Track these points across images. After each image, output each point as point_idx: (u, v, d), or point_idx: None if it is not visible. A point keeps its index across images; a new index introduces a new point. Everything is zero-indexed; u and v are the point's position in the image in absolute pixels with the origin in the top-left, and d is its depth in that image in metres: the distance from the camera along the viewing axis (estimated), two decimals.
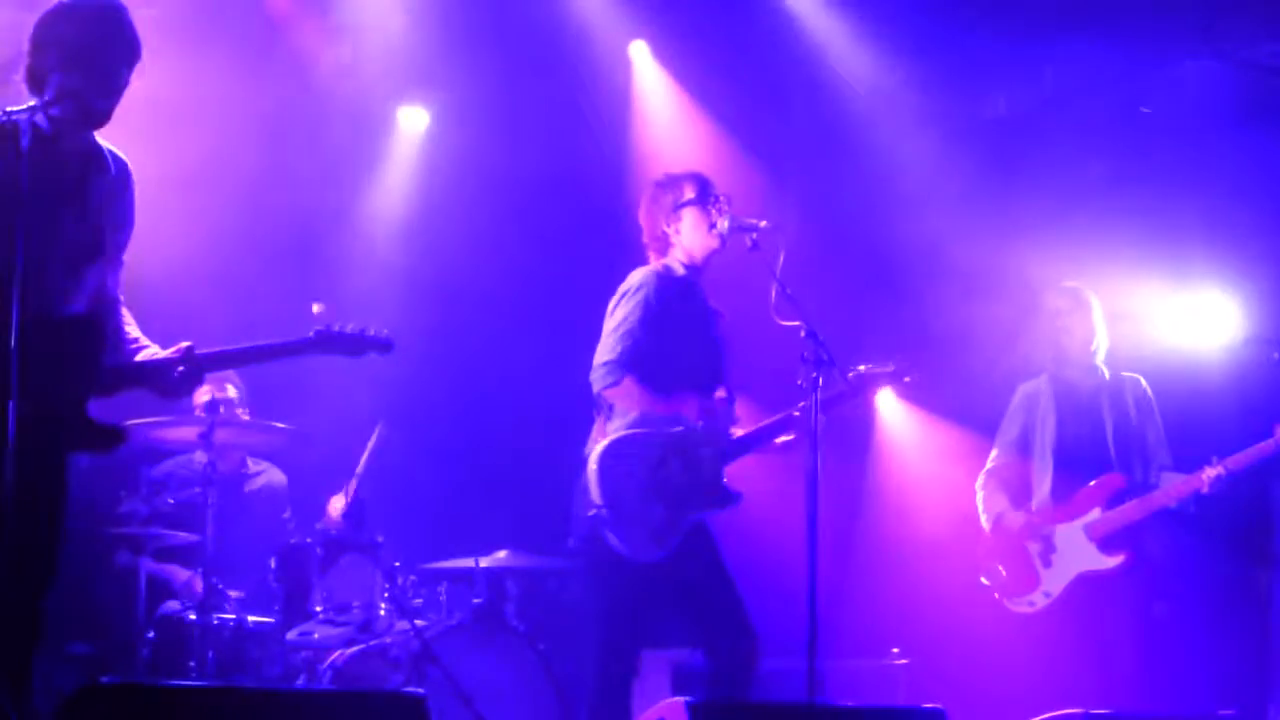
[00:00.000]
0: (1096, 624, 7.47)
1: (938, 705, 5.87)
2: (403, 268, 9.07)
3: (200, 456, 7.25)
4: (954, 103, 9.43)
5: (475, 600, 7.64)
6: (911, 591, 9.07)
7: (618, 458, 6.65)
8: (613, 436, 6.69)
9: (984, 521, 7.88)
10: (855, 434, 9.54)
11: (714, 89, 9.57)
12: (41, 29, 5.39)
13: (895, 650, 8.68)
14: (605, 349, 6.79)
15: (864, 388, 6.99)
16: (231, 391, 7.86)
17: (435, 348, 8.84)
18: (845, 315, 7.19)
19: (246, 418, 7.83)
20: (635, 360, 6.76)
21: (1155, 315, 8.13)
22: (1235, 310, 8.55)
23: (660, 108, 9.60)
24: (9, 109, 5.06)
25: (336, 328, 5.98)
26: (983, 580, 7.76)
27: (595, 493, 6.58)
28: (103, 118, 5.41)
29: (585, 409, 8.05)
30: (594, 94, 9.60)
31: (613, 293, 7.41)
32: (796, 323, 6.71)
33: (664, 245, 7.05)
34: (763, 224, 6.84)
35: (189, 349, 5.51)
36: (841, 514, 8.07)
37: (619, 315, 6.90)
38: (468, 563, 7.78)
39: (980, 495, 7.93)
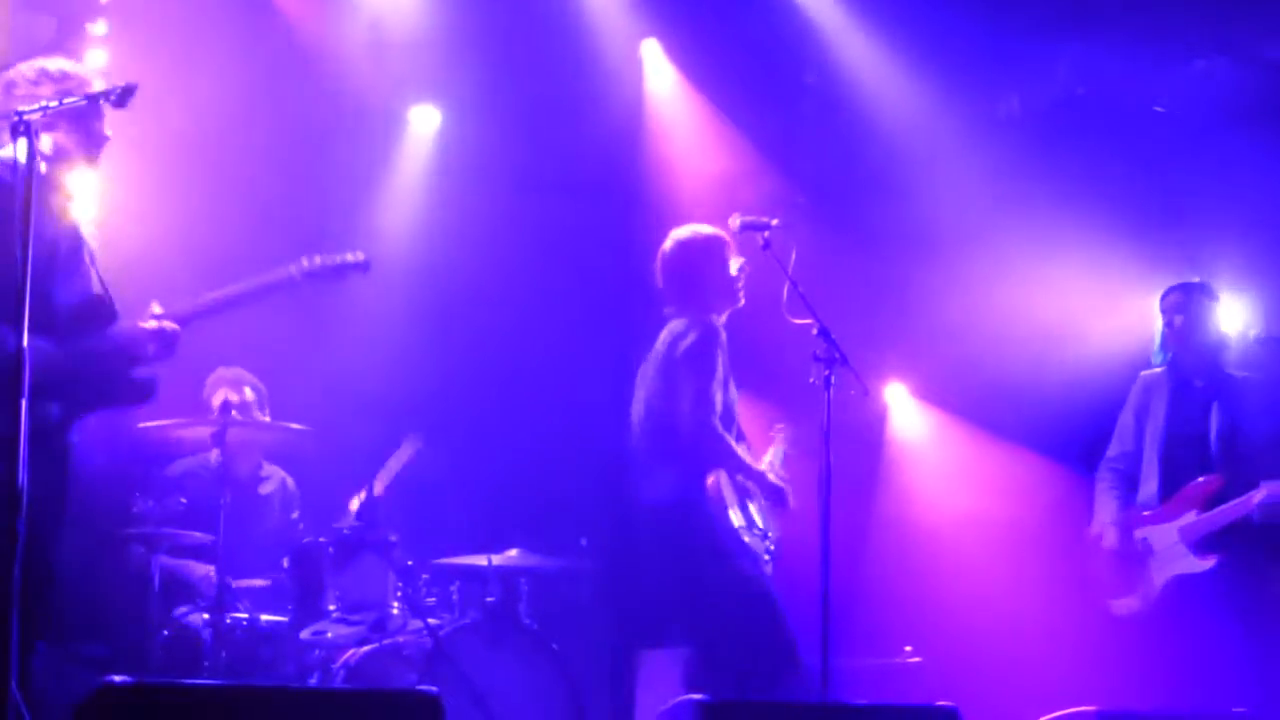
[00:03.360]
0: (1188, 626, 7.37)
1: (950, 704, 5.87)
2: (417, 267, 9.05)
3: (215, 457, 7.29)
4: (968, 101, 9.40)
5: (488, 599, 7.64)
6: (924, 590, 9.07)
7: None
8: None
9: (1097, 522, 7.77)
10: (867, 432, 9.55)
11: (725, 87, 9.57)
12: None
13: (908, 649, 8.68)
14: None
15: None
16: (249, 394, 7.84)
17: (448, 349, 8.85)
18: (857, 311, 7.18)
19: (266, 419, 7.82)
20: None
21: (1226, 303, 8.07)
22: (1246, 308, 8.54)
23: (671, 105, 9.59)
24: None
25: (317, 259, 6.12)
26: (1110, 604, 7.65)
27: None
28: None
29: (597, 409, 8.05)
30: (606, 92, 9.57)
31: (624, 294, 7.44)
32: (809, 321, 6.72)
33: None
34: (774, 223, 6.86)
35: (159, 318, 5.61)
36: (854, 512, 8.07)
37: None
38: (480, 561, 7.77)
39: (1097, 489, 7.83)
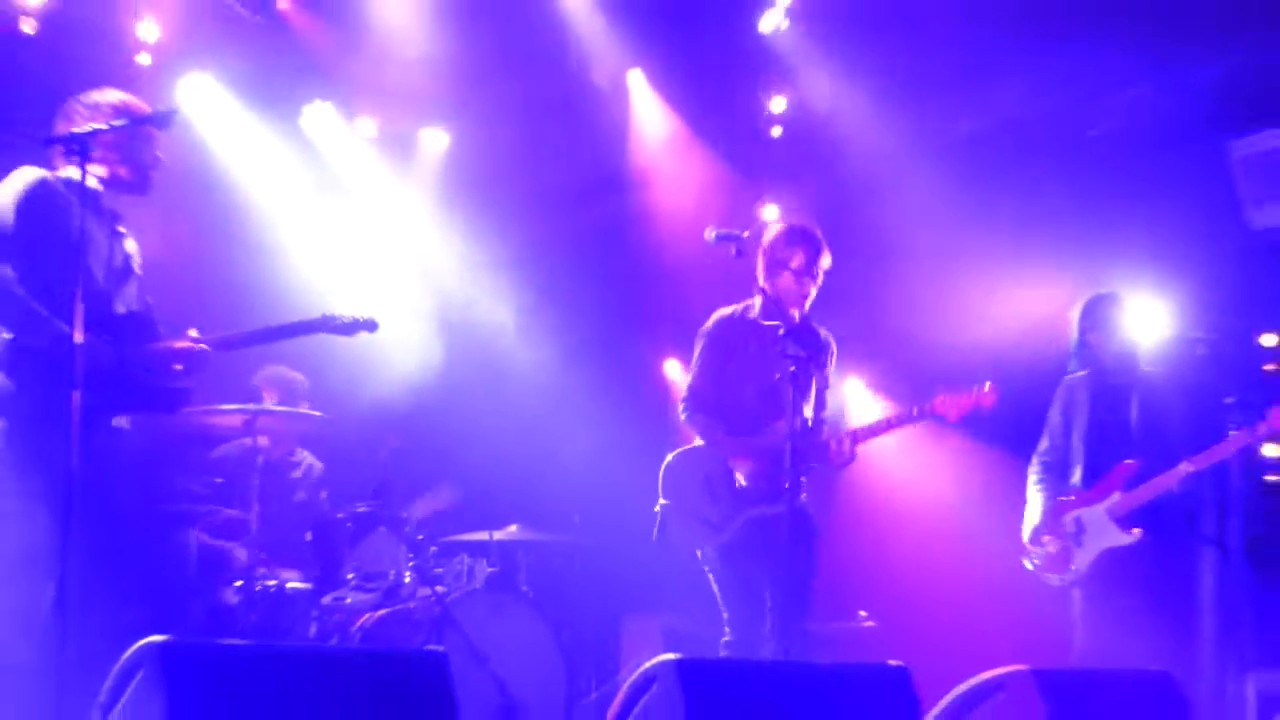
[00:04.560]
0: (1117, 593, 7.46)
1: (901, 663, 5.91)
2: (419, 271, 9.09)
3: (248, 442, 7.35)
4: (922, 126, 9.41)
5: (490, 569, 7.69)
6: (878, 562, 9.11)
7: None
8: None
9: (1029, 507, 7.81)
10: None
11: (701, 111, 9.59)
12: None
13: (863, 614, 8.73)
14: None
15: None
16: (291, 388, 7.95)
17: (456, 346, 8.88)
18: (818, 314, 7.20)
19: (305, 409, 7.85)
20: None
21: (1133, 311, 8.11)
22: (1167, 311, 8.59)
23: (654, 128, 9.60)
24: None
25: (335, 312, 6.38)
26: (1025, 563, 7.70)
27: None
28: None
29: (583, 402, 8.08)
30: (597, 116, 9.59)
31: (618, 294, 7.47)
32: (776, 322, 6.78)
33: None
34: (745, 234, 6.88)
35: (194, 340, 5.72)
36: (816, 493, 8.09)
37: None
38: (483, 536, 7.83)
39: (1029, 480, 7.86)
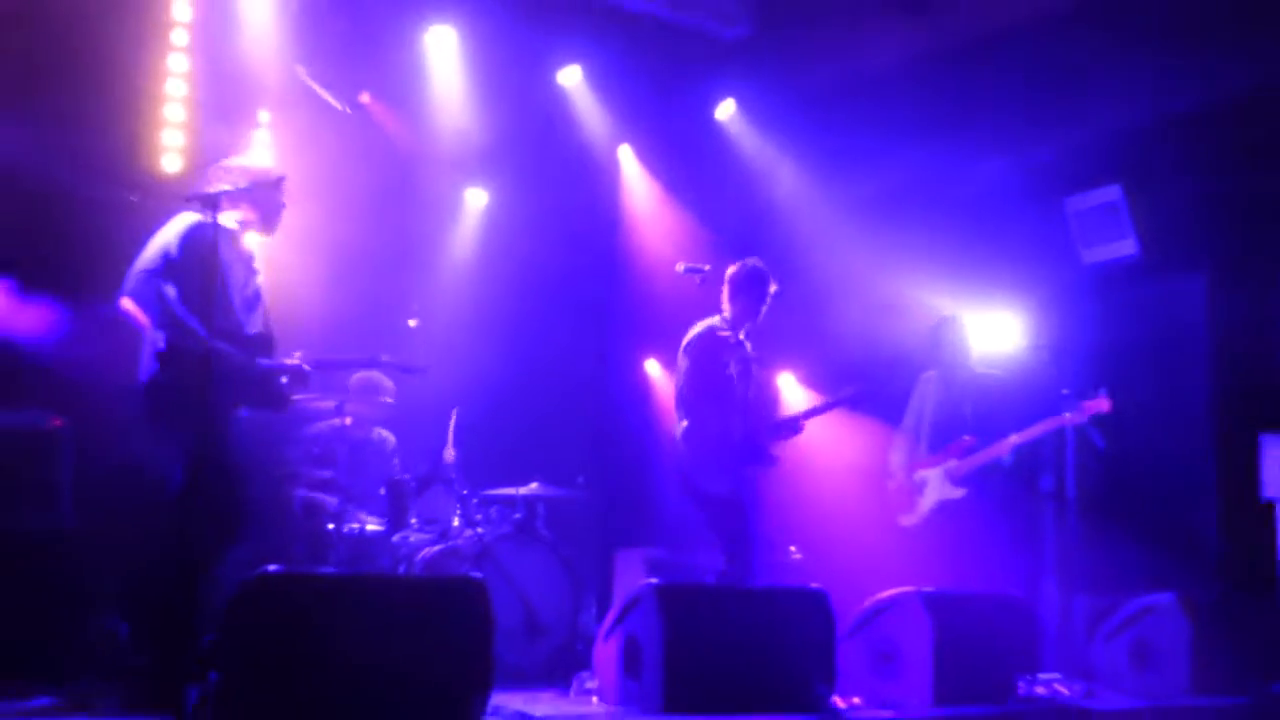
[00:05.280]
0: (948, 535, 7.53)
1: (820, 587, 5.95)
2: (468, 296, 9.10)
3: (337, 422, 7.38)
4: (840, 187, 9.43)
5: (516, 516, 7.71)
6: (804, 511, 9.06)
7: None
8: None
9: (892, 467, 7.90)
10: (770, 406, 9.58)
11: (672, 176, 9.59)
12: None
13: (793, 549, 8.72)
14: None
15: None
16: (377, 386, 7.87)
17: (490, 349, 8.88)
18: (762, 327, 7.23)
19: (389, 400, 7.83)
20: None
21: (970, 329, 8.14)
22: (1020, 325, 8.63)
23: (639, 192, 9.59)
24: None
25: (392, 358, 6.56)
26: (897, 519, 7.80)
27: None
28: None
29: (586, 390, 8.05)
30: (596, 179, 9.61)
31: (612, 310, 7.48)
32: (730, 334, 6.84)
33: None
34: (707, 268, 6.95)
35: (301, 360, 5.80)
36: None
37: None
38: (512, 491, 7.85)
39: (893, 447, 7.95)
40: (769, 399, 6.97)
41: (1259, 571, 7.83)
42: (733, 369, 6.93)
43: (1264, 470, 7.96)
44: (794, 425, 7.11)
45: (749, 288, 7.00)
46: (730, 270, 7.03)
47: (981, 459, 7.43)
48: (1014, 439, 7.36)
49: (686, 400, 6.95)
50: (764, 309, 7.02)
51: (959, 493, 7.48)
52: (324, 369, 6.17)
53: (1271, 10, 7.48)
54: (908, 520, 7.68)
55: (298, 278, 7.42)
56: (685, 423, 6.89)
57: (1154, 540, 8.31)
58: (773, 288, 7.02)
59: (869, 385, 7.36)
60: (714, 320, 7.04)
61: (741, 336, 6.95)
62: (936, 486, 7.56)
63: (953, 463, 7.51)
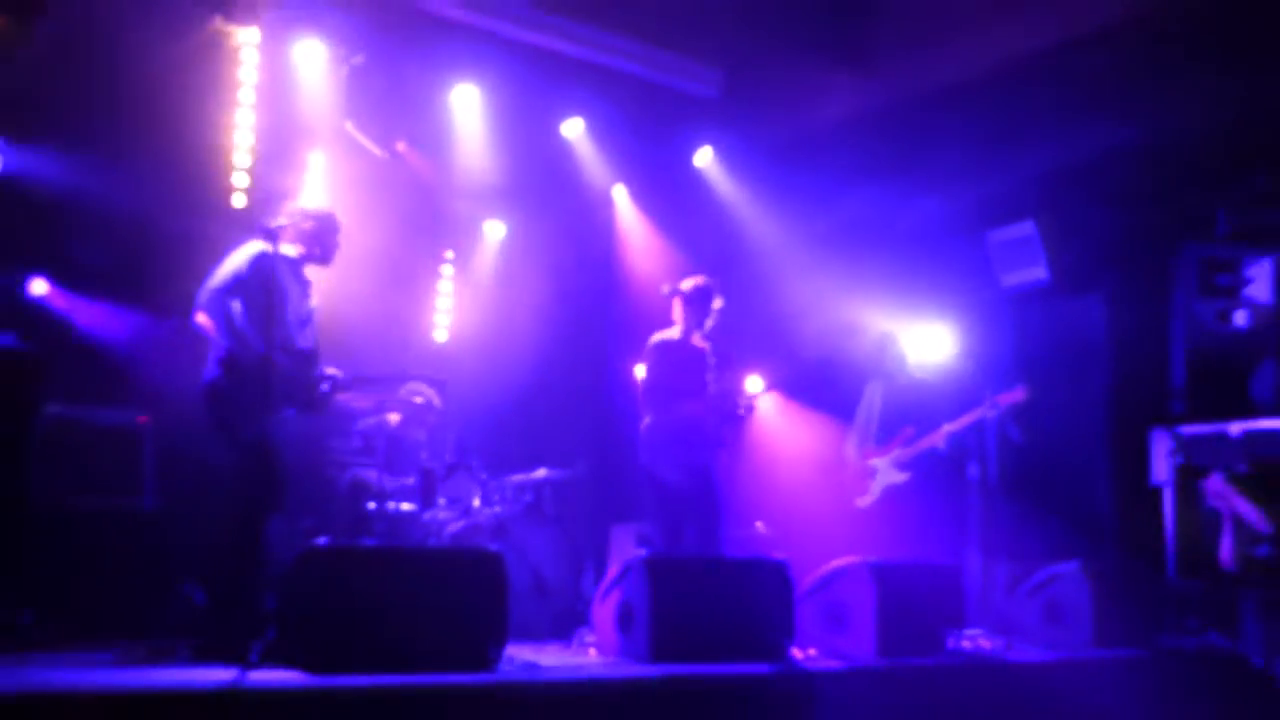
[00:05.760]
0: (895, 513, 7.49)
1: (783, 557, 5.95)
2: (487, 313, 9.08)
3: (385, 419, 7.33)
4: (799, 222, 9.38)
5: (527, 497, 7.70)
6: (770, 492, 9.06)
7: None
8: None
9: (849, 456, 7.84)
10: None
11: (662, 214, 9.53)
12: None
13: (759, 524, 8.69)
14: None
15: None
16: (423, 395, 7.69)
17: (506, 361, 8.84)
18: (737, 338, 7.21)
19: (419, 400, 7.61)
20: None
21: (908, 341, 8.13)
22: (950, 337, 8.62)
23: (631, 225, 9.51)
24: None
25: (419, 372, 6.86)
26: (855, 500, 7.71)
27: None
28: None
29: (586, 391, 8.01)
30: (595, 214, 9.55)
31: (606, 331, 7.45)
32: (707, 344, 6.82)
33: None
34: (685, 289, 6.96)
35: (337, 375, 5.78)
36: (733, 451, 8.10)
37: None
38: (523, 476, 7.84)
39: (849, 439, 7.89)
40: (728, 393, 6.88)
41: (1149, 544, 7.83)
42: (683, 370, 6.90)
43: (1153, 459, 7.97)
44: (740, 416, 7.02)
45: (693, 301, 6.96)
46: (682, 286, 7.01)
47: (921, 446, 7.42)
48: (947, 428, 7.34)
49: (644, 400, 6.95)
50: (709, 319, 6.96)
51: (904, 477, 7.46)
52: (361, 381, 6.16)
53: (1151, 80, 7.50)
54: (863, 501, 7.65)
55: (344, 298, 7.41)
56: (647, 419, 6.87)
57: (1062, 517, 8.29)
58: (717, 302, 6.98)
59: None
60: (666, 332, 7.04)
61: (698, 342, 6.91)
62: (885, 472, 7.54)
63: (898, 450, 7.50)
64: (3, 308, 6.69)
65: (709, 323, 6.95)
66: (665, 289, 6.95)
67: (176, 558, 6.17)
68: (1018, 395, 7.27)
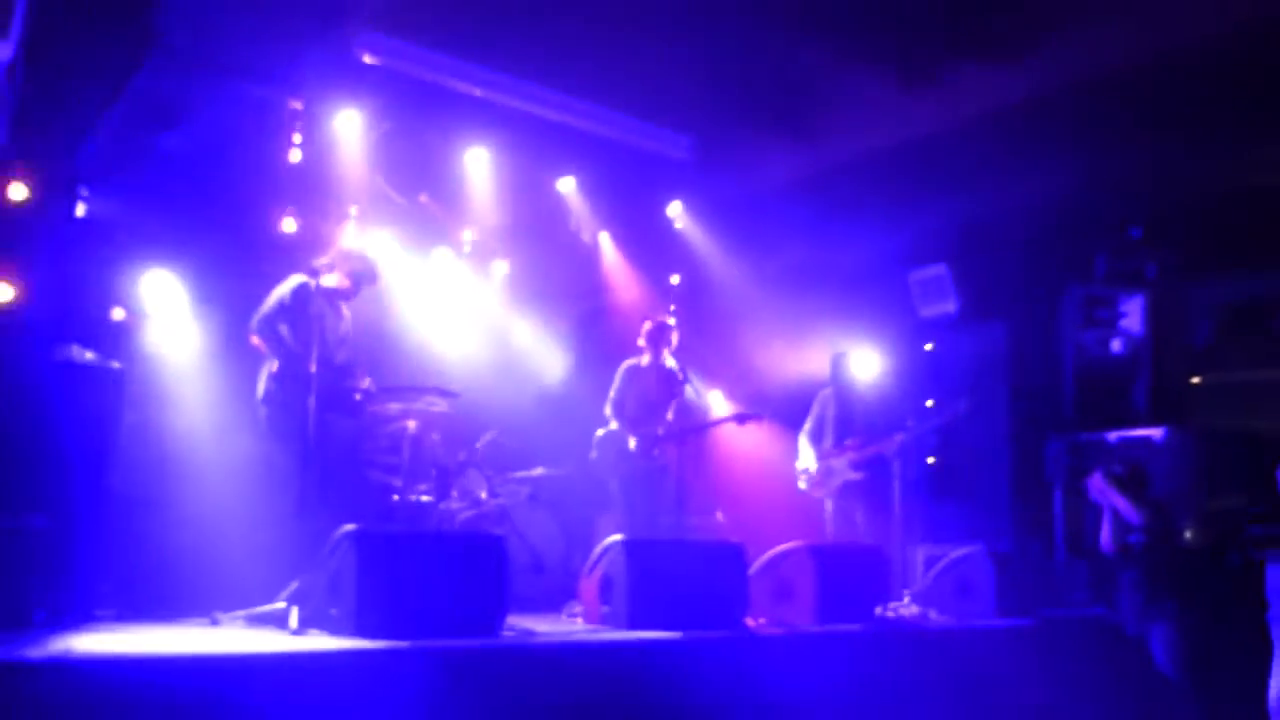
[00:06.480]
0: (847, 506, 7.50)
1: (738, 541, 5.94)
2: (494, 339, 9.03)
3: (406, 424, 7.27)
4: (757, 263, 9.39)
5: (526, 491, 7.67)
6: (730, 486, 9.07)
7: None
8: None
9: (803, 457, 7.76)
10: (703, 415, 9.59)
11: (641, 257, 9.50)
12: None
13: (719, 513, 8.66)
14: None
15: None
16: (439, 405, 7.64)
17: (510, 379, 8.80)
18: (700, 360, 7.24)
19: (436, 409, 7.49)
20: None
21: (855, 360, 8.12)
22: (880, 359, 8.63)
23: (615, 266, 9.48)
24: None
25: (436, 386, 6.73)
26: (799, 484, 7.68)
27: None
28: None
29: (575, 400, 7.99)
30: (584, 256, 9.50)
31: (592, 355, 7.47)
32: (676, 365, 6.84)
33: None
34: (663, 319, 6.99)
35: (369, 386, 5.76)
36: (694, 453, 8.07)
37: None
38: (524, 473, 7.82)
39: (800, 443, 7.83)
40: (685, 409, 6.95)
41: (1042, 531, 7.86)
42: (641, 391, 7.01)
43: (1047, 461, 8.01)
44: (677, 434, 7.15)
45: (652, 335, 7.20)
46: (645, 325, 7.27)
47: (875, 450, 7.42)
48: (899, 437, 7.33)
49: (611, 413, 7.16)
50: (666, 348, 7.15)
51: (857, 475, 7.45)
52: (386, 393, 6.16)
53: (1039, 153, 7.57)
54: (820, 494, 7.64)
55: (373, 320, 7.40)
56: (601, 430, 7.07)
57: (971, 508, 8.34)
58: (674, 339, 7.10)
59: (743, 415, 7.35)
60: (632, 360, 7.15)
61: (669, 363, 6.99)
62: (840, 471, 7.54)
63: (851, 453, 7.50)
64: (88, 331, 6.63)
65: (665, 352, 7.13)
66: (647, 326, 7.08)
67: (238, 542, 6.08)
68: (963, 407, 7.32)
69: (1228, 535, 6.06)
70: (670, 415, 7.18)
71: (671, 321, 7.18)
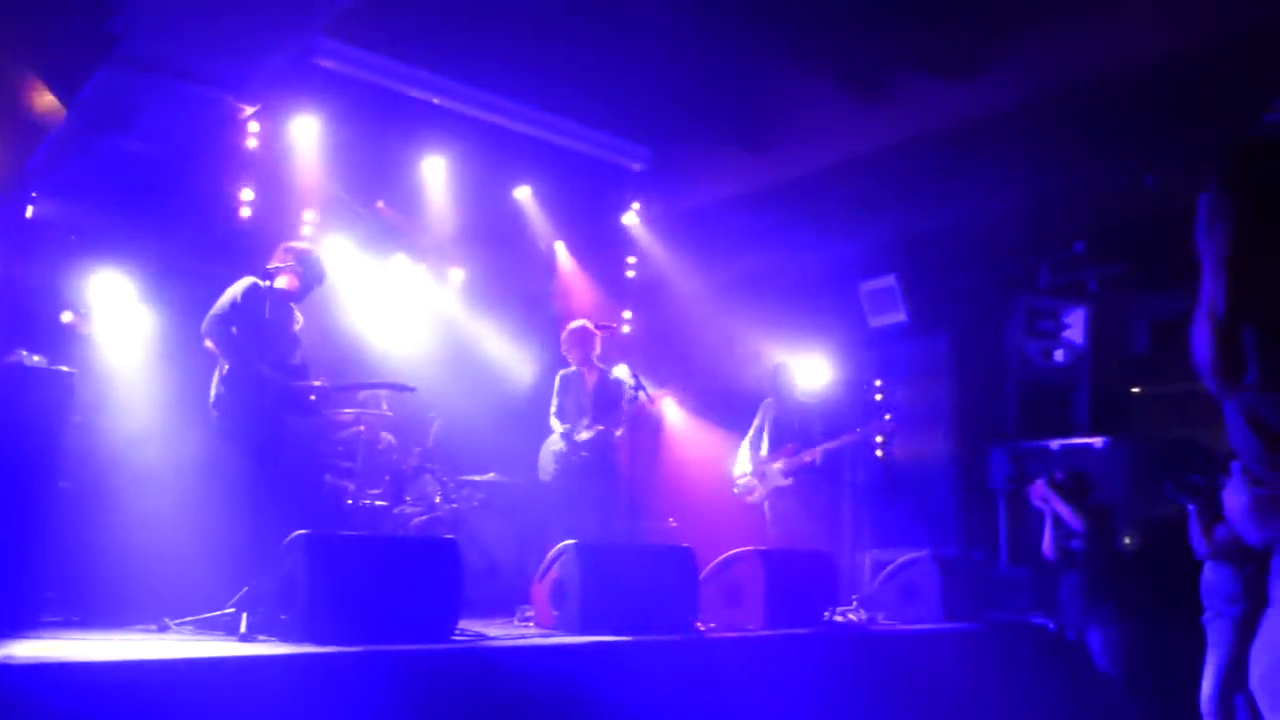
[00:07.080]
0: (782, 511, 7.52)
1: (689, 545, 5.94)
2: (449, 341, 8.97)
3: (356, 429, 7.23)
4: (706, 272, 9.41)
5: (480, 496, 7.62)
6: (665, 490, 9.06)
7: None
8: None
9: (739, 462, 7.80)
10: (654, 420, 9.61)
11: (596, 264, 9.49)
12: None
13: (671, 519, 8.67)
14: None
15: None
16: (384, 408, 7.63)
17: (462, 381, 8.76)
18: (651, 365, 7.25)
19: (388, 412, 7.54)
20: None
21: (798, 370, 8.17)
22: (829, 367, 8.71)
23: (569, 273, 9.46)
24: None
25: (391, 379, 6.67)
26: (735, 489, 7.72)
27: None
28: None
29: (530, 406, 8.00)
30: (541, 263, 9.48)
31: (544, 358, 7.44)
32: (627, 370, 6.82)
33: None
34: (614, 325, 6.98)
35: (322, 384, 5.69)
36: (647, 460, 8.09)
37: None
38: (478, 477, 7.76)
39: (741, 448, 7.87)
40: (639, 415, 6.97)
41: (986, 537, 7.95)
42: (575, 397, 7.04)
43: (991, 469, 8.11)
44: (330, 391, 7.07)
45: (575, 340, 7.15)
46: (563, 334, 7.25)
47: (803, 460, 7.47)
48: (825, 445, 7.40)
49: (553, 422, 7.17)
50: (593, 351, 7.12)
51: (787, 481, 7.50)
52: (341, 390, 6.09)
53: (985, 170, 7.69)
54: (754, 498, 7.68)
55: (331, 325, 7.30)
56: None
57: (917, 515, 8.40)
58: (597, 346, 7.09)
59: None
60: (565, 369, 7.21)
61: (618, 372, 7.02)
62: (773, 477, 7.58)
63: (783, 460, 7.54)
64: (36, 333, 6.50)
65: (594, 355, 7.11)
66: (593, 326, 7.03)
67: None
68: (886, 426, 7.39)
69: (1165, 541, 6.17)
70: (622, 422, 7.17)
71: (590, 325, 7.12)
